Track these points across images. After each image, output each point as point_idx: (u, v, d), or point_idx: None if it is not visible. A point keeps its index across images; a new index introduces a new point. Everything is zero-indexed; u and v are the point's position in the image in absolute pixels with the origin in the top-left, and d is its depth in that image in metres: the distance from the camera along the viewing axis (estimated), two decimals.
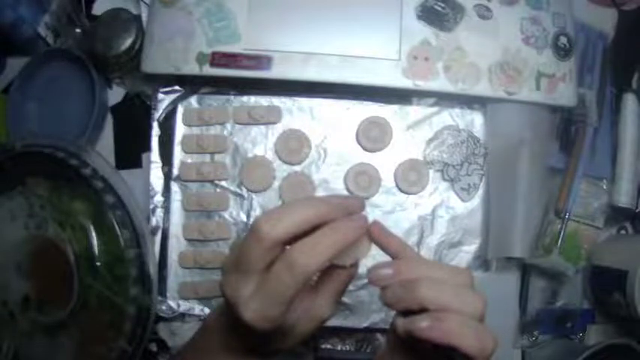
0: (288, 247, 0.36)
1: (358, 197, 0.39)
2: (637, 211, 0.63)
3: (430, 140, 0.62)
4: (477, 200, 0.62)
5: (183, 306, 0.60)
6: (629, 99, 0.64)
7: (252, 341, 0.39)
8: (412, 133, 0.62)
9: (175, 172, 0.61)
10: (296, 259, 0.34)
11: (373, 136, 0.61)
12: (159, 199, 0.61)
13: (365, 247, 0.38)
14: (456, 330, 0.32)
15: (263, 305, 0.35)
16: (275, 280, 0.34)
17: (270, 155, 0.62)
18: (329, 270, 0.40)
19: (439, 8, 0.60)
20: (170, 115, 0.62)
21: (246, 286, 0.35)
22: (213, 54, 0.58)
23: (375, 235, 0.38)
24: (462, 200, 0.62)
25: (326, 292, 0.40)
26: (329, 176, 0.61)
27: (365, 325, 0.59)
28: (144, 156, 0.64)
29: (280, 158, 0.61)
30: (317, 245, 0.34)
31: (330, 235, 0.35)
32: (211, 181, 0.61)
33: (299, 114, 0.62)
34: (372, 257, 0.39)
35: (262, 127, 0.62)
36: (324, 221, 0.35)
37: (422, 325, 0.32)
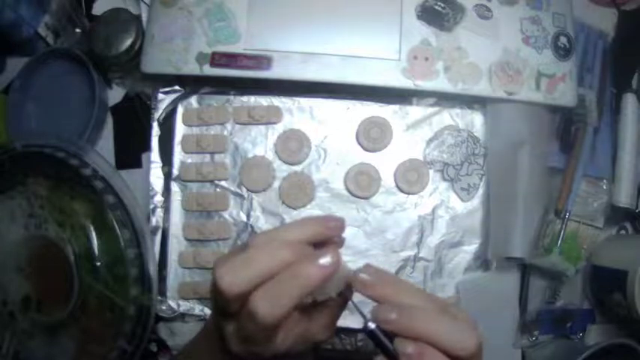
0: None
1: (337, 218, 0.36)
2: (637, 211, 0.63)
3: (430, 140, 0.62)
4: (477, 200, 0.62)
5: (183, 306, 0.60)
6: (629, 99, 0.64)
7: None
8: (412, 133, 0.62)
9: (175, 172, 0.61)
10: (257, 310, 0.32)
11: (373, 136, 0.61)
12: (159, 199, 0.61)
13: (346, 277, 0.35)
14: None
15: (244, 344, 0.34)
16: (243, 327, 0.33)
17: (270, 155, 0.62)
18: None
19: (439, 8, 0.60)
20: (170, 115, 0.62)
21: (227, 325, 0.35)
22: (213, 54, 0.58)
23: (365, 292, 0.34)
24: (462, 200, 0.62)
25: (320, 320, 0.38)
26: (329, 176, 0.61)
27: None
28: (144, 156, 0.64)
29: (280, 158, 0.61)
30: (278, 294, 0.32)
31: (292, 283, 0.32)
32: (211, 181, 0.61)
33: (299, 114, 0.62)
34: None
35: (262, 127, 0.62)
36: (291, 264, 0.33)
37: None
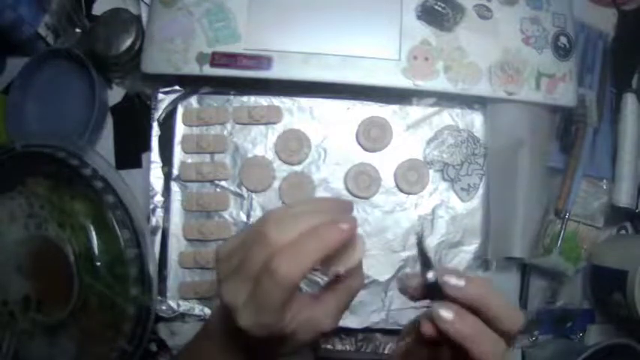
0: None
1: (345, 200, 0.38)
2: (637, 211, 0.63)
3: (430, 140, 0.62)
4: (476, 200, 0.62)
5: (183, 306, 0.60)
6: (629, 99, 0.64)
7: (251, 345, 0.39)
8: (412, 133, 0.62)
9: (175, 172, 0.61)
10: (277, 269, 0.33)
11: (373, 136, 0.61)
12: (159, 199, 0.61)
13: (356, 254, 0.37)
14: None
15: (255, 313, 0.35)
16: (261, 289, 0.34)
17: (270, 155, 0.62)
18: (330, 282, 0.39)
19: (439, 8, 0.60)
20: (170, 115, 0.62)
21: (241, 294, 0.35)
22: (213, 54, 0.58)
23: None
24: (462, 200, 0.62)
25: (327, 304, 0.39)
26: (329, 176, 0.61)
27: (365, 325, 0.59)
28: (144, 156, 0.64)
29: (280, 158, 0.61)
30: (298, 253, 0.33)
31: (313, 242, 0.34)
32: (211, 181, 0.61)
33: (299, 114, 0.62)
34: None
35: (262, 127, 0.62)
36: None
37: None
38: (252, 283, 0.35)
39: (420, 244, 0.38)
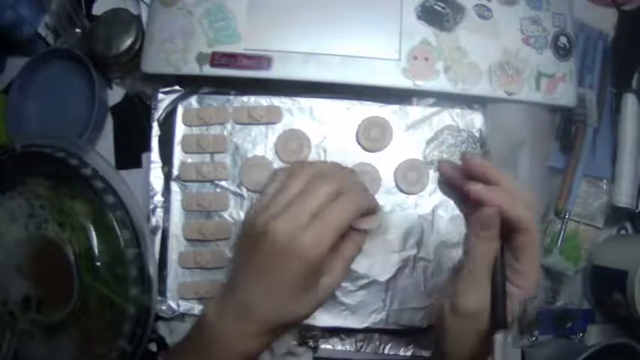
0: None
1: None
2: (637, 211, 0.63)
3: (430, 140, 0.62)
4: None
5: (183, 306, 0.60)
6: (629, 99, 0.64)
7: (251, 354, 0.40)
8: (412, 133, 0.62)
9: (175, 172, 0.61)
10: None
11: (373, 136, 0.61)
12: (159, 199, 0.61)
13: (378, 217, 0.43)
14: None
15: (320, 231, 0.37)
16: (333, 209, 0.37)
17: (270, 155, 0.62)
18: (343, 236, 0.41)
19: (439, 8, 0.60)
20: (170, 115, 0.62)
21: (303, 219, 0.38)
22: (213, 54, 0.58)
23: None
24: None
25: (340, 257, 0.41)
26: None
27: (365, 325, 0.59)
28: (144, 156, 0.64)
29: (280, 158, 0.61)
30: (350, 203, 0.39)
31: (340, 208, 0.38)
32: (211, 181, 0.61)
33: (299, 114, 0.62)
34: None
35: (262, 127, 0.62)
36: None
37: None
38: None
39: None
